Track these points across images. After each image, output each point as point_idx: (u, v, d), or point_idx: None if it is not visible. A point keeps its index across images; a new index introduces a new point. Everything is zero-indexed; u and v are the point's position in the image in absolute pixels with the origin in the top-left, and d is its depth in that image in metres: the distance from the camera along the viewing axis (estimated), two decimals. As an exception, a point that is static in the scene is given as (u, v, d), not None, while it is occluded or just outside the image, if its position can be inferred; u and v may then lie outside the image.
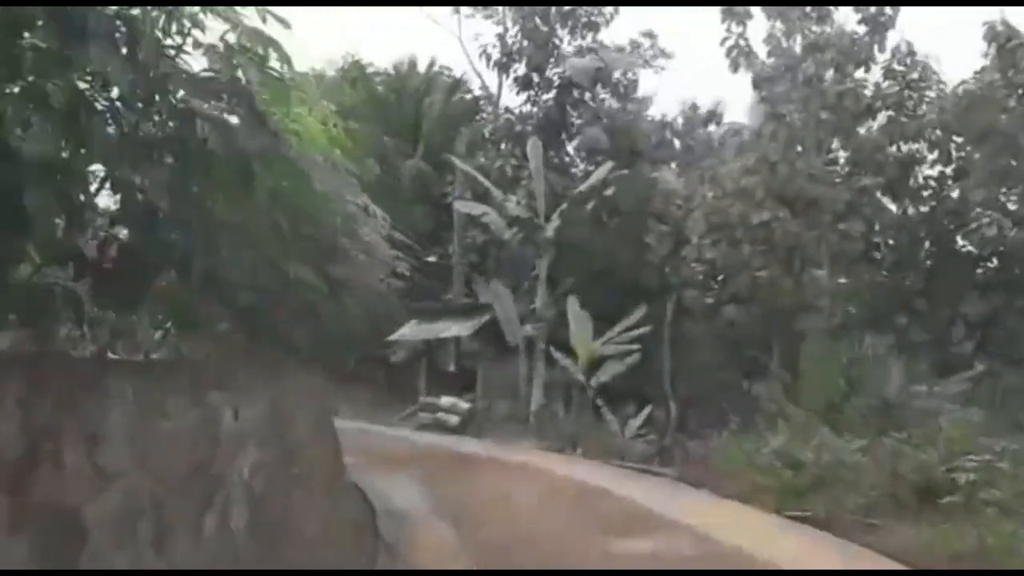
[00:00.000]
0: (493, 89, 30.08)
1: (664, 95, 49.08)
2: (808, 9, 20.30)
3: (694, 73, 43.50)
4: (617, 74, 29.02)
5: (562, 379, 19.62)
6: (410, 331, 22.67)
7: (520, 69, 28.54)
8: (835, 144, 21.73)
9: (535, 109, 28.42)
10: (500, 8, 28.38)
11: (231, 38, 4.53)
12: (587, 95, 28.20)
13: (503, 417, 19.17)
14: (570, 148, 29.16)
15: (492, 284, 19.71)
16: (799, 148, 21.00)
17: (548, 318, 19.54)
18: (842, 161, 21.83)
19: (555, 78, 28.10)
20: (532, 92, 28.43)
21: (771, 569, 7.89)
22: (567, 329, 18.71)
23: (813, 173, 20.41)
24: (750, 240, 21.11)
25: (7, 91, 3.81)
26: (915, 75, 20.11)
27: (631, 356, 17.97)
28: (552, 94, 28.29)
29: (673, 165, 29.31)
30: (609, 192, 20.25)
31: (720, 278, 23.22)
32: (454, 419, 19.24)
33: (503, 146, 27.78)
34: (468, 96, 31.90)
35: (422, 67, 32.05)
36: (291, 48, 4.77)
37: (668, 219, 23.63)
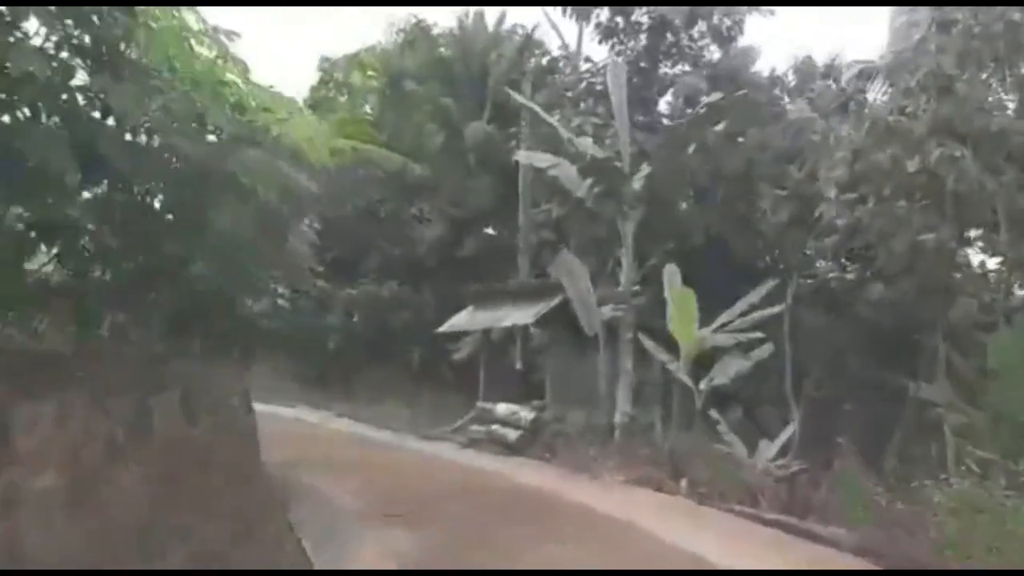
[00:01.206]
0: (572, 44, 24.90)
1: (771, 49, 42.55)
2: None
3: (807, 20, 36.82)
4: (718, 16, 23.18)
5: (657, 380, 14.12)
6: (464, 319, 17.57)
7: (602, 14, 23.09)
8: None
9: (620, 60, 22.96)
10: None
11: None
12: (683, 37, 22.49)
13: (578, 431, 13.76)
14: (663, 104, 23.49)
15: (562, 256, 14.22)
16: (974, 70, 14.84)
17: (636, 298, 13.99)
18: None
19: (644, 19, 22.52)
20: (616, 39, 22.92)
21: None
22: (661, 314, 13.18)
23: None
24: (906, 192, 15.05)
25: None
26: None
27: (759, 348, 12.24)
28: (641, 40, 22.72)
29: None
30: (720, 127, 14.49)
31: (857, 248, 17.13)
32: (513, 433, 13.99)
33: (583, 104, 22.44)
34: (543, 54, 26.69)
35: (491, 23, 26.96)
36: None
37: (788, 181, 17.69)
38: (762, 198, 17.90)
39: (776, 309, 13.10)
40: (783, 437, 10.77)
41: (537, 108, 15.93)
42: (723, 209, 18.29)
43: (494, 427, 14.40)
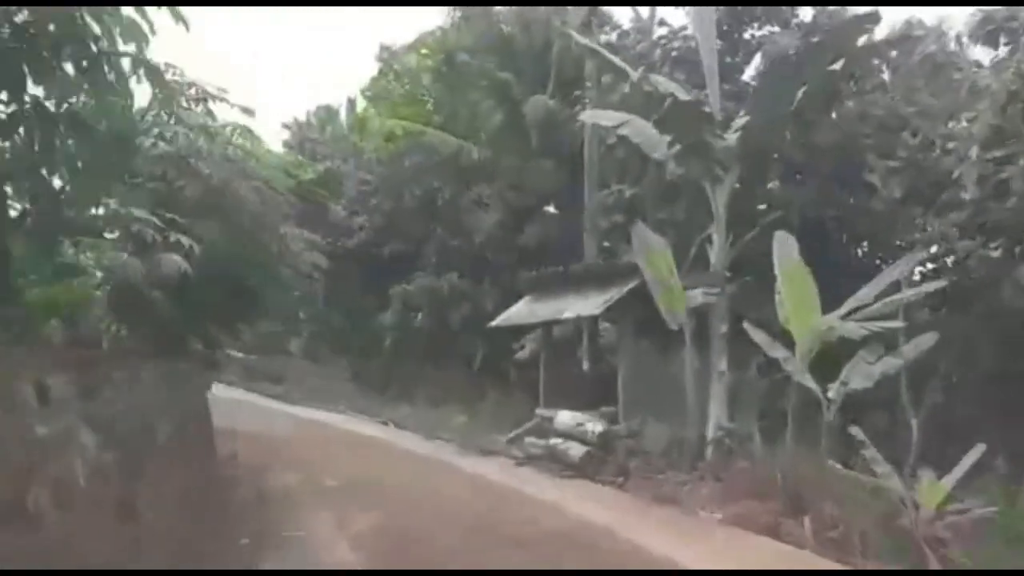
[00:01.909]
0: (644, 11, 21.75)
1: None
2: None
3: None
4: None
5: (759, 384, 10.93)
6: (520, 312, 14.68)
7: (679, -27, 19.91)
8: None
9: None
10: None
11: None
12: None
13: (659, 448, 10.68)
14: (749, 71, 20.11)
15: (639, 230, 11.07)
16: None
17: (730, 284, 10.81)
18: None
19: (727, -25, 19.22)
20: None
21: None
22: (761, 303, 9.99)
23: None
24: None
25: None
26: None
27: (914, 340, 8.89)
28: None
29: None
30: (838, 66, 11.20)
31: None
32: (577, 450, 10.99)
33: (660, 71, 19.32)
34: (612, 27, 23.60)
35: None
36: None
37: (901, 150, 14.18)
38: (871, 171, 14.44)
39: (935, 285, 9.71)
40: (966, 464, 7.40)
41: (604, 51, 12.87)
42: (822, 187, 14.89)
43: (555, 441, 11.42)
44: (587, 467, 10.65)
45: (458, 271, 22.89)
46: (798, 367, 9.08)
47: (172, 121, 7.99)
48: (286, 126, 32.29)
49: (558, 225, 20.93)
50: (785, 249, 9.49)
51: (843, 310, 9.24)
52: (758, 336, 9.54)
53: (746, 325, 9.84)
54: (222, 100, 8.34)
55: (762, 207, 13.21)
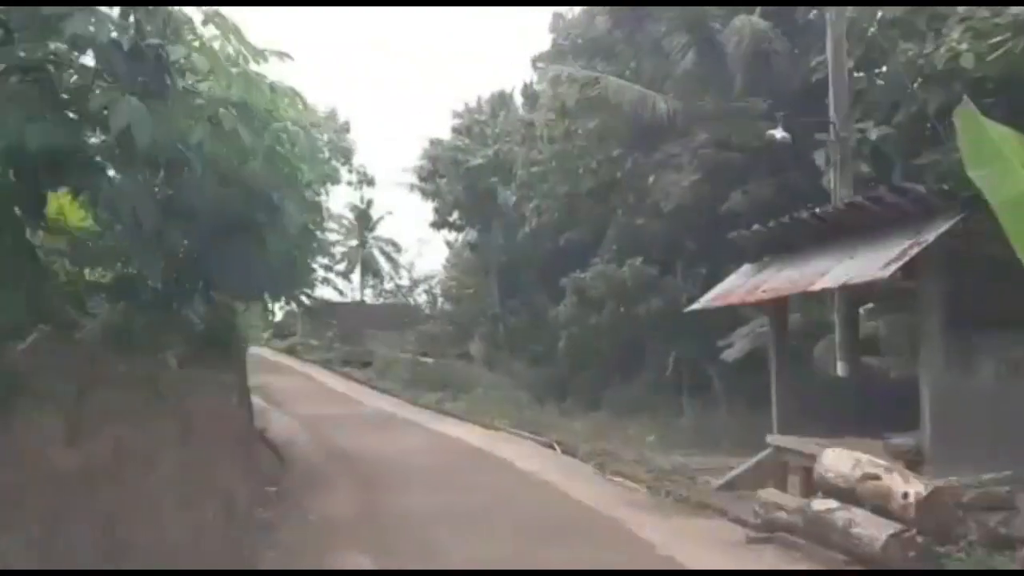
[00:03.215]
0: None
1: None
2: None
3: None
4: None
5: None
6: (733, 286, 9.46)
7: None
8: None
9: None
10: None
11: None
12: None
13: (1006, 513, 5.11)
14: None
15: (965, 105, 5.75)
16: None
17: None
18: None
19: None
20: None
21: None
22: None
23: None
24: None
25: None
26: None
27: None
28: None
29: None
30: None
31: None
32: (874, 528, 5.60)
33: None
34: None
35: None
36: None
37: None
38: None
39: None
40: None
41: None
42: None
43: (824, 506, 6.13)
44: (895, 558, 5.36)
45: (643, 255, 17.95)
46: None
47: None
48: (457, 114, 28.90)
49: (773, 191, 15.35)
50: None
51: None
52: None
53: None
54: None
55: None
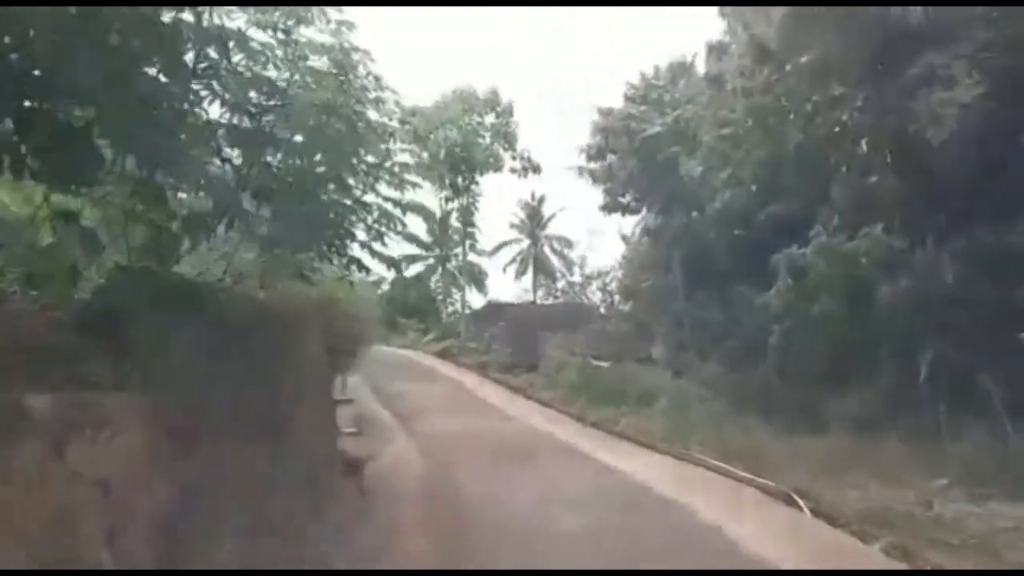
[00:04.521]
0: None
1: None
2: None
3: None
4: None
5: None
6: None
7: None
8: None
9: None
10: None
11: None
12: None
13: None
14: None
15: None
16: None
17: None
18: None
19: None
20: None
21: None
22: None
23: None
24: None
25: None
26: None
27: None
28: None
29: None
30: None
31: None
32: None
33: None
34: None
35: None
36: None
37: None
38: None
39: None
40: None
41: None
42: None
43: None
44: None
45: (884, 221, 13.15)
46: None
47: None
48: (631, 85, 24.96)
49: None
50: None
51: None
52: None
53: None
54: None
55: None
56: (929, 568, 5.88)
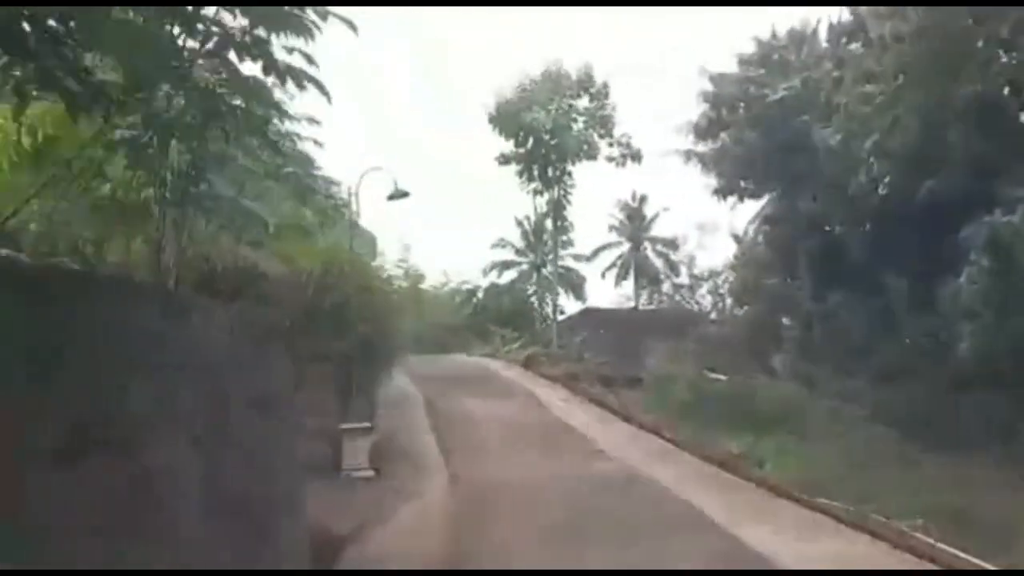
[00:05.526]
0: None
1: None
2: None
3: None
4: None
5: None
6: None
7: None
8: None
9: None
10: None
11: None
12: None
13: None
14: None
15: None
16: None
17: None
18: None
19: None
20: None
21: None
22: None
23: None
24: None
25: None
26: None
27: None
28: None
29: None
30: None
31: None
32: None
33: None
34: None
35: None
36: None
37: None
38: None
39: None
40: None
41: None
42: None
43: None
44: None
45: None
46: None
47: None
48: (743, 59, 21.40)
49: None
50: None
51: None
52: None
53: None
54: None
55: None
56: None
